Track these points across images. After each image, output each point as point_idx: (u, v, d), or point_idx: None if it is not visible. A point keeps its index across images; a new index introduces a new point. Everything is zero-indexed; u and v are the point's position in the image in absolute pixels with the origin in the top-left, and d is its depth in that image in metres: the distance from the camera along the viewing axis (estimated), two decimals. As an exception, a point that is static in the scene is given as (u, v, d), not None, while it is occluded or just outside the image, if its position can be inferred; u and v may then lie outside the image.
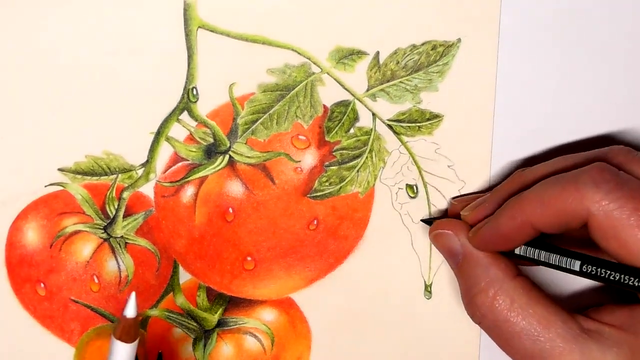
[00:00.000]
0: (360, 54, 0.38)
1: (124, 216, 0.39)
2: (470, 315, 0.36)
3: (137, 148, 0.38)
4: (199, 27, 0.37)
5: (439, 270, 0.40)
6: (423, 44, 0.38)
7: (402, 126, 0.39)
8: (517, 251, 0.36)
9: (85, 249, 0.39)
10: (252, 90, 0.38)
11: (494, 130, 0.39)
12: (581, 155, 0.36)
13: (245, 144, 0.39)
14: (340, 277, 0.40)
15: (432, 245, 0.40)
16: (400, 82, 0.39)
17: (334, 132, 0.39)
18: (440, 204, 0.40)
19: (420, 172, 0.40)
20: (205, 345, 0.40)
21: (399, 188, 0.40)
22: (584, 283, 0.41)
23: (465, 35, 0.38)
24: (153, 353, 0.40)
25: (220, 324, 0.40)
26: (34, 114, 0.37)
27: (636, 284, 0.33)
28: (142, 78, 0.37)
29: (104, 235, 0.39)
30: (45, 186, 0.38)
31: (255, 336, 0.41)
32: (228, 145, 0.39)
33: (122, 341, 0.34)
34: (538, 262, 0.36)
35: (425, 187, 0.40)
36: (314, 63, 0.38)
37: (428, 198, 0.40)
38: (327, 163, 0.39)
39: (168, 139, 0.38)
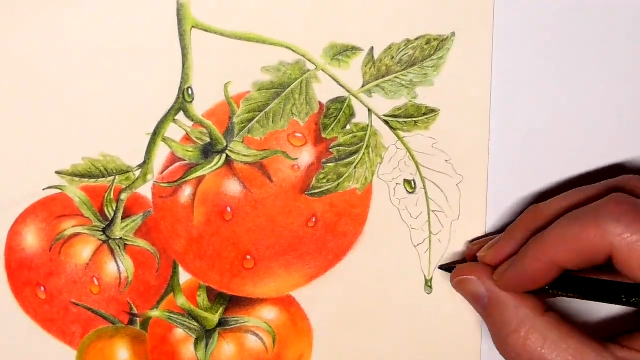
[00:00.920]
0: (354, 50, 0.38)
1: (123, 218, 0.39)
2: (503, 355, 0.36)
3: (134, 149, 0.38)
4: (193, 26, 0.37)
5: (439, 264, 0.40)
6: (417, 39, 0.38)
7: (398, 121, 0.39)
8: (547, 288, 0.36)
9: (84, 251, 0.39)
10: (248, 89, 0.38)
11: (490, 123, 0.39)
12: (595, 187, 0.36)
13: (242, 142, 0.39)
14: (340, 274, 0.40)
15: (431, 240, 0.40)
16: (396, 77, 0.39)
17: (330, 128, 0.39)
18: (440, 201, 0.40)
19: (417, 167, 0.40)
20: (207, 345, 0.40)
21: (397, 183, 0.40)
22: (613, 310, 0.41)
23: (459, 29, 0.38)
24: (154, 354, 0.40)
25: (222, 323, 0.40)
26: (30, 117, 0.38)
27: None
28: (137, 79, 0.37)
29: (103, 237, 0.39)
30: (43, 189, 0.38)
31: (257, 335, 0.41)
32: (225, 144, 0.39)
33: None
34: (567, 295, 0.36)
35: (423, 182, 0.40)
36: (309, 60, 0.38)
37: (426, 193, 0.40)
38: (324, 160, 0.39)
39: (165, 140, 0.38)
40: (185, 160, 0.39)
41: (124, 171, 0.39)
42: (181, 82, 0.38)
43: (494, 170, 0.40)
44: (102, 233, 0.39)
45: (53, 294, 0.39)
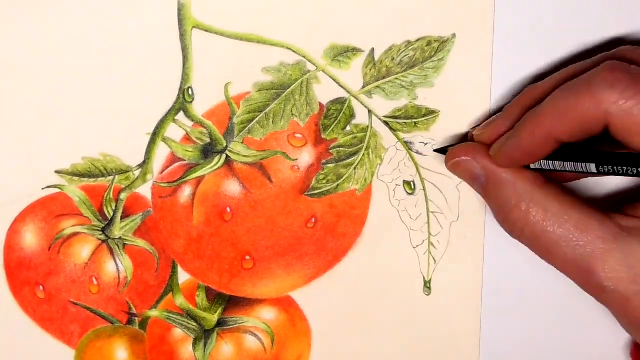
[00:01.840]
0: (355, 51, 0.38)
1: (122, 217, 0.39)
2: (508, 232, 0.36)
3: (134, 149, 0.38)
4: (194, 27, 0.37)
5: (438, 266, 0.40)
6: (418, 40, 0.38)
7: (398, 122, 0.39)
8: (532, 166, 0.35)
9: (83, 250, 0.39)
10: (248, 89, 0.38)
11: (490, 125, 0.39)
12: (591, 59, 0.35)
13: (242, 143, 0.39)
14: (339, 275, 0.40)
15: (431, 241, 0.40)
16: (396, 78, 0.39)
17: (330, 129, 0.39)
18: (439, 202, 0.40)
19: (417, 168, 0.40)
20: (205, 345, 0.40)
21: (397, 185, 0.40)
22: (615, 182, 0.40)
23: (460, 30, 0.38)
24: (153, 354, 0.40)
25: (220, 323, 0.40)
26: (30, 116, 0.38)
27: None
28: (137, 79, 0.37)
29: (102, 237, 0.39)
30: (43, 189, 0.38)
31: (256, 335, 0.41)
32: (225, 144, 0.39)
33: None
34: (559, 172, 0.35)
35: (423, 183, 0.40)
36: (309, 61, 0.38)
37: (426, 194, 0.40)
38: (324, 161, 0.39)
39: (164, 140, 0.38)
40: (185, 161, 0.39)
41: (123, 171, 0.39)
42: (181, 82, 0.38)
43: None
44: (101, 233, 0.39)
45: (52, 293, 0.39)
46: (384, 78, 0.39)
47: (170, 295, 0.40)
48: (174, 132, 0.38)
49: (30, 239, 0.39)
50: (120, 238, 0.39)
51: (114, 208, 0.39)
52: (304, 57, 0.38)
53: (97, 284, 0.39)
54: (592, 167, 0.34)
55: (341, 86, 0.39)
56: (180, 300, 0.40)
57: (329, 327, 0.41)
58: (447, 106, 0.39)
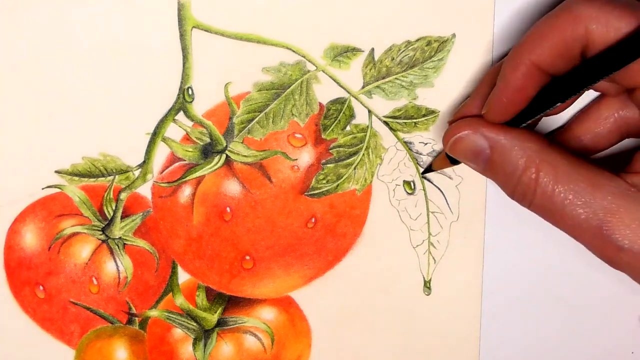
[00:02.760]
0: (355, 51, 0.38)
1: (122, 217, 0.39)
2: (519, 202, 0.35)
3: (134, 149, 0.38)
4: (194, 26, 0.37)
5: (438, 266, 0.40)
6: (418, 40, 0.38)
7: (398, 122, 0.39)
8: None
9: (83, 250, 0.39)
10: (248, 89, 0.38)
11: (490, 125, 0.39)
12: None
13: (242, 143, 0.39)
14: (339, 275, 0.40)
15: (430, 241, 0.40)
16: (396, 78, 0.39)
17: (330, 129, 0.39)
18: (439, 202, 0.40)
19: (417, 168, 0.40)
20: (205, 345, 0.40)
21: (396, 185, 0.40)
22: (617, 146, 0.39)
23: (459, 30, 0.38)
24: (153, 354, 0.40)
25: (220, 323, 0.40)
26: (30, 116, 0.38)
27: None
28: (137, 79, 0.37)
29: (102, 237, 0.39)
30: (43, 189, 0.38)
31: (255, 335, 0.41)
32: (224, 144, 0.39)
33: None
34: (554, 103, 0.34)
35: (423, 183, 0.40)
36: (309, 61, 0.38)
37: (425, 194, 0.40)
38: (324, 161, 0.39)
39: (164, 140, 0.38)
40: (185, 160, 0.39)
41: (123, 171, 0.39)
42: (181, 82, 0.38)
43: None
44: (101, 232, 0.39)
45: (52, 293, 0.39)
46: (383, 78, 0.39)
47: (170, 295, 0.40)
48: (173, 132, 0.38)
49: (31, 238, 0.39)
50: (120, 238, 0.39)
51: (114, 208, 0.39)
52: (304, 57, 0.38)
53: (97, 284, 0.39)
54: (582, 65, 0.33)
55: (341, 86, 0.39)
56: (180, 300, 0.40)
57: (329, 327, 0.41)
58: (447, 106, 0.39)
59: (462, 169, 0.40)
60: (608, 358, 0.36)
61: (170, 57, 0.37)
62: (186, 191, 0.39)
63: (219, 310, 0.40)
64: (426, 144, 0.39)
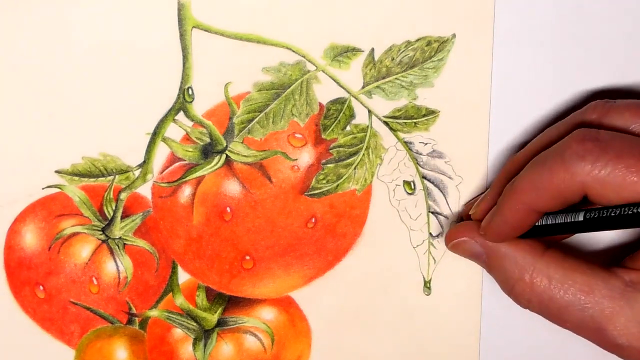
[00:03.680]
0: (355, 51, 0.38)
1: (122, 217, 0.39)
2: (516, 303, 0.36)
3: (134, 149, 0.38)
4: (194, 26, 0.37)
5: (438, 266, 0.40)
6: (418, 40, 0.38)
7: (398, 123, 0.39)
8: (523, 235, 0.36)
9: (83, 250, 0.39)
10: (248, 89, 0.38)
11: (490, 124, 0.39)
12: (563, 122, 0.36)
13: (242, 143, 0.39)
14: (339, 275, 0.40)
15: (431, 241, 0.40)
16: (396, 78, 0.39)
17: (330, 129, 0.39)
18: (439, 199, 0.40)
19: (417, 168, 0.40)
20: (205, 345, 0.40)
21: (396, 185, 0.40)
22: (611, 235, 0.40)
23: (459, 30, 0.38)
24: (153, 354, 0.40)
25: (220, 323, 0.40)
26: (30, 116, 0.38)
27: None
28: (137, 79, 0.37)
29: (102, 237, 0.39)
30: (43, 188, 0.38)
31: (255, 335, 0.41)
32: (224, 144, 0.39)
33: None
34: (551, 233, 0.36)
35: (423, 183, 0.40)
36: (309, 61, 0.38)
37: (426, 194, 0.40)
38: (324, 161, 0.39)
39: (164, 140, 0.38)
40: (185, 160, 0.39)
41: (123, 171, 0.39)
42: (181, 82, 0.38)
43: (493, 171, 0.40)
44: (101, 232, 0.39)
45: (52, 293, 0.39)
46: (383, 78, 0.39)
47: (170, 295, 0.40)
48: (174, 132, 0.38)
49: (31, 238, 0.39)
50: (120, 238, 0.39)
51: (114, 208, 0.39)
52: (304, 57, 0.38)
53: (97, 284, 0.39)
54: (580, 216, 0.34)
55: (341, 86, 0.39)
56: (180, 300, 0.40)
57: (329, 327, 0.41)
58: (447, 106, 0.39)
59: (463, 169, 0.40)
60: (608, 357, 0.36)
61: (170, 57, 0.37)
62: (186, 191, 0.39)
63: (219, 310, 0.40)
64: (426, 144, 0.39)
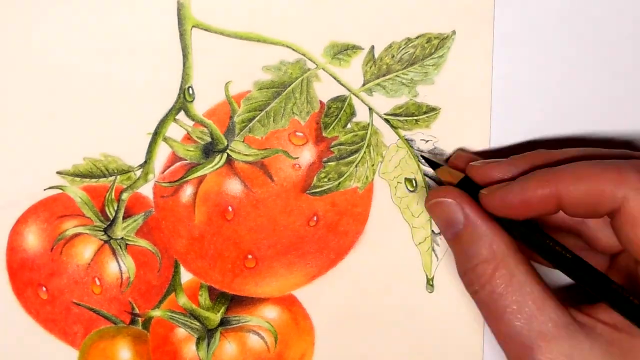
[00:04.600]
0: (355, 48, 0.38)
1: (124, 217, 0.39)
2: (466, 285, 0.35)
3: (135, 149, 0.38)
4: (193, 26, 0.37)
5: (441, 263, 0.40)
6: (418, 37, 0.38)
7: (399, 120, 0.39)
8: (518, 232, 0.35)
9: (86, 251, 0.39)
10: (248, 88, 0.38)
11: (491, 121, 0.39)
12: (607, 150, 0.36)
13: (243, 142, 0.39)
14: (341, 273, 0.40)
15: (433, 238, 0.40)
16: (396, 75, 0.39)
17: (331, 127, 0.39)
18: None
19: (418, 165, 0.40)
20: (208, 345, 0.40)
21: (398, 182, 0.40)
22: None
23: (460, 27, 0.38)
24: (156, 354, 0.40)
25: (223, 322, 0.40)
26: (31, 117, 0.38)
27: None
28: (137, 79, 0.38)
29: (105, 237, 0.39)
30: (44, 190, 0.38)
31: (259, 334, 0.41)
32: (225, 143, 0.39)
33: None
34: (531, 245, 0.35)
35: (424, 180, 0.40)
36: (309, 59, 0.38)
37: (427, 191, 0.40)
38: (325, 159, 0.39)
39: (165, 139, 0.38)
40: (186, 160, 0.39)
41: (125, 171, 0.39)
42: (182, 82, 0.38)
43: (495, 168, 0.40)
44: (103, 233, 0.39)
45: (54, 294, 0.39)
46: (384, 75, 0.39)
47: (173, 295, 0.40)
48: (174, 131, 0.38)
49: (33, 240, 0.39)
50: (122, 238, 0.39)
51: (115, 208, 0.39)
52: (304, 55, 0.38)
53: (99, 285, 0.39)
54: (570, 254, 0.34)
55: (341, 84, 0.39)
56: (183, 300, 0.40)
57: (332, 325, 0.41)
58: (448, 103, 0.39)
59: (464, 165, 0.40)
60: None
61: (170, 57, 0.37)
62: (188, 191, 0.39)
63: (222, 310, 0.40)
64: (427, 141, 0.39)
